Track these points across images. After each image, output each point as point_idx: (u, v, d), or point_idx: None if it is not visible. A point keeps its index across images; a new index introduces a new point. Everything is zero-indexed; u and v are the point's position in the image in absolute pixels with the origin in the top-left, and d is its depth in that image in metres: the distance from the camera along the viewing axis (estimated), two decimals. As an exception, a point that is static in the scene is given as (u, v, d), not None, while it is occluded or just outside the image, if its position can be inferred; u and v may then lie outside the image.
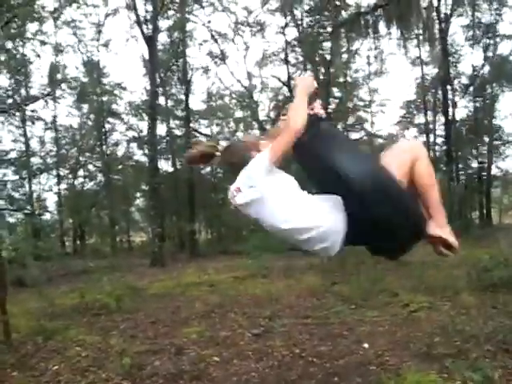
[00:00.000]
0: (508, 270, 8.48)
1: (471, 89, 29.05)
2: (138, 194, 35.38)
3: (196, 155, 3.04)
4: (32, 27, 21.35)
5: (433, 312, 7.22)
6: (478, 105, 29.42)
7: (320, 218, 2.61)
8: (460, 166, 28.76)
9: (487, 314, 6.86)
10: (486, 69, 28.67)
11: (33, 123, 27.18)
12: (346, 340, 6.24)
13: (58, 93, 27.71)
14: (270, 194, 2.64)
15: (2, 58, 19.82)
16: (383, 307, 7.82)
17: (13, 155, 26.08)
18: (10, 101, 24.24)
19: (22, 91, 26.34)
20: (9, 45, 19.68)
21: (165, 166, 31.11)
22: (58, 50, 27.59)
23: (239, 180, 2.77)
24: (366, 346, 5.94)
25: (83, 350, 6.40)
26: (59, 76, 27.52)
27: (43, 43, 22.27)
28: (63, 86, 27.58)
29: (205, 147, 3.04)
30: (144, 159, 31.28)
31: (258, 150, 2.78)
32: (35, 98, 25.74)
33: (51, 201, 32.46)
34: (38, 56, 20.23)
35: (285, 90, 28.96)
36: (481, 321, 6.41)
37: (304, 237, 2.64)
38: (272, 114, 30.94)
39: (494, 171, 31.03)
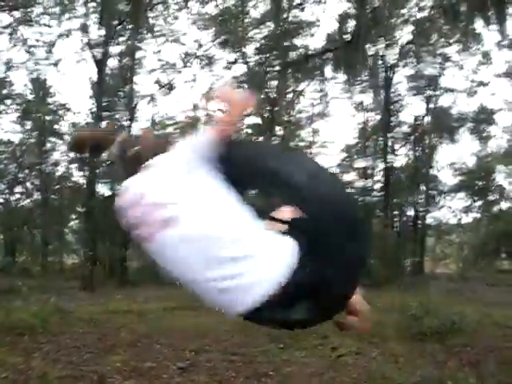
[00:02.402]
0: (437, 319, 8.62)
1: (412, 138, 29.77)
2: (73, 216, 34.78)
3: (85, 137, 2.55)
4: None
5: (361, 357, 7.27)
6: (417, 154, 30.14)
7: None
8: (395, 212, 29.31)
9: (415, 362, 6.94)
10: (428, 119, 29.58)
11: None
12: (271, 380, 6.22)
13: (2, 107, 27.29)
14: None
15: None
16: (312, 349, 7.83)
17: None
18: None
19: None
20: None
21: (102, 189, 30.74)
22: (8, 65, 27.34)
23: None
24: (291, 387, 5.93)
25: (3, 370, 6.22)
26: (5, 92, 27.18)
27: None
28: (8, 101, 27.20)
29: (100, 132, 2.60)
30: (82, 181, 30.88)
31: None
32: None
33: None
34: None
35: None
36: (409, 369, 6.48)
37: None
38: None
39: (429, 220, 31.77)
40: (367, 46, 15.32)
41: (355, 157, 32.08)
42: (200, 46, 27.95)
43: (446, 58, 27.45)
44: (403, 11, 22.08)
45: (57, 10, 26.42)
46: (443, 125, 28.50)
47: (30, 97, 29.17)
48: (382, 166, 28.09)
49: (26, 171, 31.55)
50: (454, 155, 33.63)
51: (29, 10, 21.52)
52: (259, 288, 1.84)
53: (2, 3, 15.34)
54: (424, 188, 30.26)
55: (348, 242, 1.93)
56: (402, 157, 30.44)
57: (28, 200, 32.59)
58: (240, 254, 1.86)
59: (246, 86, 25.72)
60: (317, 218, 1.95)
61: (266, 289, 1.84)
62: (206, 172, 2.04)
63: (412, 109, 29.25)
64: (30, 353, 7.25)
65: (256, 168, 2.14)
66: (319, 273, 1.91)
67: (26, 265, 28.74)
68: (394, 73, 27.01)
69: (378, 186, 29.64)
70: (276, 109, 25.62)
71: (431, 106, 29.15)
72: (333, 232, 1.93)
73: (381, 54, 23.43)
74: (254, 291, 1.84)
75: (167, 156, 2.13)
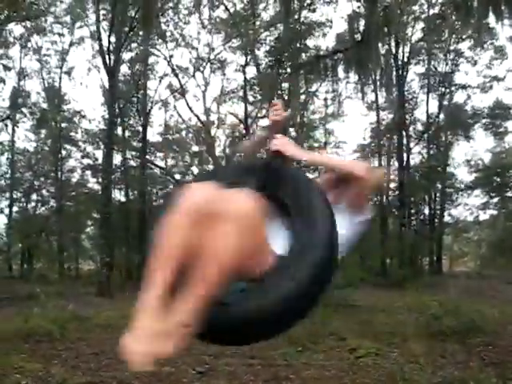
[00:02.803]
0: (457, 319, 8.53)
1: (426, 136, 29.61)
2: (89, 222, 34.97)
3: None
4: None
5: (380, 358, 7.19)
6: (432, 152, 29.95)
7: None
8: (412, 211, 29.16)
9: (436, 363, 6.86)
10: (442, 117, 29.39)
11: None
12: (291, 383, 6.17)
13: (18, 116, 27.57)
14: None
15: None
16: (330, 351, 7.77)
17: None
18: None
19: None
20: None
21: (118, 195, 30.90)
22: (21, 74, 27.67)
23: None
24: (311, 390, 5.89)
25: (23, 377, 6.22)
26: (20, 101, 27.45)
27: (8, 68, 22.20)
28: (23, 110, 27.45)
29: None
30: (97, 187, 31.03)
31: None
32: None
33: (1, 223, 31.83)
34: (3, 81, 20.10)
35: (241, 127, 29.17)
36: (429, 370, 6.40)
37: None
38: (228, 151, 31.13)
39: (446, 218, 31.56)
40: (379, 44, 15.26)
41: (369, 156, 32.02)
42: (211, 49, 28.06)
43: (459, 54, 27.30)
44: (414, 8, 22.05)
45: (68, 18, 26.80)
46: (458, 121, 28.31)
47: (44, 105, 29.40)
48: (396, 164, 27.97)
49: (42, 179, 31.77)
50: (470, 152, 33.23)
51: (41, 19, 21.68)
52: None
53: (14, 14, 15.46)
54: (440, 186, 30.08)
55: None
56: (416, 155, 30.34)
57: (44, 207, 32.84)
58: None
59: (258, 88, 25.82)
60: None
61: None
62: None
63: (426, 106, 28.86)
64: (49, 359, 7.26)
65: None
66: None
67: (43, 271, 28.93)
68: (406, 71, 26.90)
69: (392, 185, 29.52)
70: (289, 110, 25.59)
71: (445, 102, 28.97)
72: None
73: (393, 52, 23.38)
74: None
75: None
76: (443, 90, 28.75)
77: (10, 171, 29.78)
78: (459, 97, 29.40)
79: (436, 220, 30.20)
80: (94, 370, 6.74)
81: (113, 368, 6.86)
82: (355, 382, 6.16)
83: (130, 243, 29.15)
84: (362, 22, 15.91)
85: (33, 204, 32.73)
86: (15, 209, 31.40)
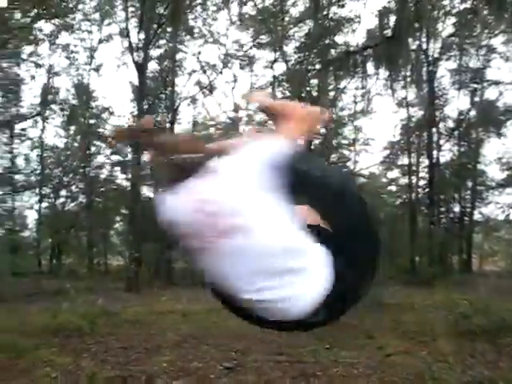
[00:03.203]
0: (487, 318, 8.42)
1: (456, 133, 29.26)
2: (118, 218, 35.21)
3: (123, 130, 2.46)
4: (27, 49, 21.58)
5: (409, 357, 7.13)
6: (462, 149, 29.57)
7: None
8: (442, 209, 28.86)
9: (465, 362, 6.78)
10: (473, 113, 29.00)
11: (22, 142, 27.28)
12: (319, 380, 6.14)
13: (48, 113, 27.90)
14: None
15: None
16: (358, 349, 7.73)
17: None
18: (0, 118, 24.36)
19: (12, 110, 26.54)
20: (3, 64, 19.79)
21: (146, 191, 31.07)
22: (51, 72, 27.96)
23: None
24: (339, 388, 5.85)
25: (53, 370, 6.31)
26: (50, 97, 27.76)
27: (38, 65, 22.44)
28: (53, 106, 27.77)
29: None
30: (126, 184, 31.23)
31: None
32: (24, 117, 25.89)
33: (31, 218, 32.19)
34: (33, 78, 20.35)
35: (270, 123, 29.11)
36: (459, 369, 6.32)
37: None
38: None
39: (477, 216, 31.13)
40: (409, 40, 15.13)
41: (399, 153, 31.76)
42: (240, 46, 28.04)
43: (491, 50, 26.89)
44: (445, 2, 21.74)
45: (97, 16, 27.01)
46: (489, 118, 27.90)
47: (74, 102, 29.68)
48: (426, 162, 27.69)
49: (71, 175, 32.03)
50: (502, 149, 32.68)
51: (70, 17, 21.87)
52: (306, 299, 1.89)
53: (44, 12, 15.60)
54: (470, 184, 29.72)
55: (365, 246, 2.12)
56: (446, 152, 29.98)
57: (73, 203, 33.13)
58: (293, 267, 1.88)
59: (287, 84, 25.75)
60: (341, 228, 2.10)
61: (312, 300, 1.89)
62: (270, 181, 1.94)
63: (457, 103, 28.56)
64: (79, 354, 7.33)
65: (306, 179, 2.15)
66: (347, 279, 1.99)
67: (73, 267, 29.23)
68: (437, 67, 26.61)
69: (422, 182, 29.26)
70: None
71: (476, 99, 28.56)
72: (355, 240, 2.09)
73: (423, 47, 23.14)
74: (301, 302, 1.89)
75: (234, 161, 2.00)
76: (475, 86, 28.32)
77: (39, 167, 30.06)
78: (491, 93, 29.04)
79: (466, 218, 29.81)
80: (123, 364, 6.79)
81: (142, 362, 6.91)
82: (383, 380, 6.12)
83: (159, 239, 29.30)
84: (393, 18, 15.78)
85: (62, 200, 33.02)
86: (44, 205, 31.72)
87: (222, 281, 1.96)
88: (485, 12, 17.45)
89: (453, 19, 24.74)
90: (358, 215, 2.16)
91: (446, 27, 25.63)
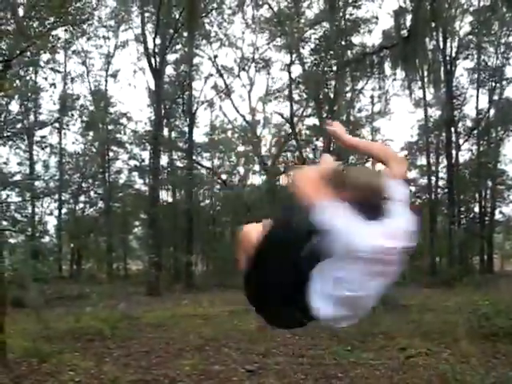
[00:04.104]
0: (510, 319, 8.35)
1: (475, 132, 29.02)
2: (137, 223, 35.40)
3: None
4: (44, 56, 21.73)
5: (431, 358, 7.09)
6: (482, 148, 29.28)
7: None
8: (462, 209, 28.65)
9: (489, 364, 6.73)
10: (492, 112, 28.74)
11: (42, 149, 27.50)
12: (341, 382, 6.14)
13: (66, 120, 28.13)
14: None
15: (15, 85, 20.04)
16: (379, 350, 7.70)
17: (17, 178, 26.38)
18: (19, 125, 24.57)
19: (31, 117, 26.83)
20: (21, 72, 19.99)
21: (165, 196, 31.19)
22: (67, 78, 28.22)
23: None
24: (361, 389, 5.84)
25: (76, 375, 6.37)
26: (69, 104, 27.98)
27: (57, 71, 22.62)
28: (72, 113, 28.00)
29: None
30: (144, 188, 31.39)
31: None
32: (44, 124, 26.16)
33: (51, 224, 32.43)
34: (54, 85, 20.50)
35: (287, 126, 29.13)
36: (482, 371, 6.26)
37: None
38: (274, 150, 31.12)
39: (497, 216, 30.84)
40: (426, 40, 15.07)
41: (417, 154, 31.63)
42: (256, 49, 28.06)
43: (510, 47, 26.65)
44: (462, 1, 21.63)
45: (113, 22, 27.19)
46: (509, 117, 27.61)
47: (91, 108, 29.89)
48: (445, 162, 27.54)
49: (90, 180, 32.25)
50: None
51: (86, 24, 22.01)
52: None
53: (58, 20, 15.71)
54: (490, 183, 29.47)
55: None
56: (465, 152, 29.78)
57: (92, 209, 33.35)
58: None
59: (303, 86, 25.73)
60: None
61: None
62: None
63: (475, 102, 28.26)
64: (101, 358, 7.39)
65: None
66: None
67: (92, 272, 29.39)
68: (454, 66, 26.44)
69: (442, 183, 29.09)
70: (335, 108, 25.47)
71: (495, 97, 28.28)
72: None
73: (440, 47, 23.00)
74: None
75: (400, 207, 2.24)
76: (493, 84, 28.05)
77: (58, 173, 30.27)
78: (511, 91, 28.66)
79: (487, 218, 29.55)
80: (145, 368, 6.82)
81: (164, 366, 6.94)
82: (405, 381, 6.10)
83: (178, 243, 29.39)
84: (409, 18, 15.73)
85: (81, 205, 33.28)
86: (64, 210, 31.96)
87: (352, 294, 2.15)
88: (503, 9, 17.34)
89: (470, 17, 24.62)
90: None
91: (464, 26, 25.52)
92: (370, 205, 2.14)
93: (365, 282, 2.13)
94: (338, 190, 2.17)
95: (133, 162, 31.88)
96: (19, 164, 28.16)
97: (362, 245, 2.03)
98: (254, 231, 2.48)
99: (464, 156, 29.63)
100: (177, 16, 22.32)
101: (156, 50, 21.73)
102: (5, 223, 23.10)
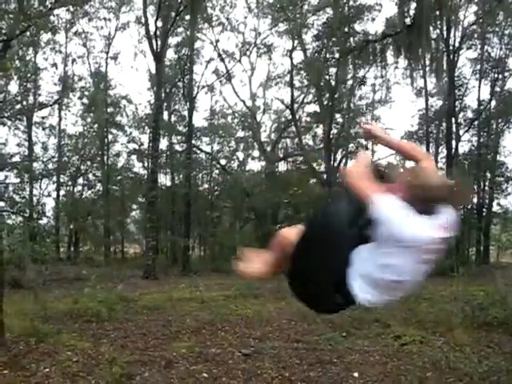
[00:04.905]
0: (504, 310, 8.40)
1: (476, 123, 28.93)
2: (135, 206, 35.41)
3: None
4: (44, 37, 21.65)
5: (425, 346, 7.15)
6: (482, 139, 29.23)
7: None
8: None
9: (482, 353, 6.78)
10: (493, 103, 28.66)
11: (43, 129, 27.49)
12: (335, 367, 6.19)
13: (66, 101, 28.09)
14: None
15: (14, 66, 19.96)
16: (374, 337, 7.76)
17: (16, 159, 26.40)
18: (18, 106, 24.52)
19: (30, 98, 26.75)
20: (20, 52, 19.91)
21: (163, 180, 31.19)
22: (68, 60, 28.14)
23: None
24: (355, 375, 5.89)
25: (74, 355, 6.43)
26: (69, 85, 27.94)
27: (59, 52, 22.54)
28: (71, 94, 27.98)
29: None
30: (143, 172, 31.40)
31: None
32: (44, 105, 26.08)
33: (49, 206, 32.47)
34: (55, 65, 20.43)
35: (287, 112, 29.11)
36: (475, 359, 6.33)
37: None
38: (273, 136, 31.11)
39: (495, 208, 30.78)
40: (430, 28, 15.02)
41: (417, 143, 31.56)
42: (258, 34, 27.94)
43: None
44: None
45: (114, 3, 27.05)
46: (510, 109, 27.50)
47: (91, 90, 29.84)
48: (445, 152, 27.51)
49: (89, 163, 32.24)
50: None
51: (87, 4, 21.90)
52: None
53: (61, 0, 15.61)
54: (489, 175, 29.42)
55: None
56: (465, 143, 29.73)
57: (90, 191, 33.36)
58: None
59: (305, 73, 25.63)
60: None
61: None
62: None
63: (477, 93, 28.12)
64: (98, 339, 7.44)
65: None
66: None
67: (90, 254, 29.47)
68: (457, 56, 26.32)
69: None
70: (336, 96, 25.43)
71: (497, 89, 28.17)
72: None
73: (444, 36, 22.89)
74: None
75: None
76: (496, 75, 27.93)
77: (57, 155, 30.25)
78: (513, 83, 28.48)
79: (484, 209, 29.55)
80: (142, 350, 6.88)
81: (160, 348, 6.99)
82: (399, 368, 6.15)
83: (176, 227, 29.44)
84: (413, 6, 15.65)
85: (79, 188, 33.31)
86: (62, 192, 31.98)
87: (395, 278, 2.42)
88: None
89: (475, 7, 24.49)
90: None
91: (468, 15, 25.38)
92: (429, 203, 2.36)
93: (412, 269, 2.39)
94: (390, 184, 2.48)
95: (132, 145, 31.92)
96: (18, 145, 28.18)
97: (414, 235, 2.24)
98: (292, 232, 2.69)
99: (464, 147, 29.60)
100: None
101: (157, 33, 21.62)
102: (3, 204, 23.14)
